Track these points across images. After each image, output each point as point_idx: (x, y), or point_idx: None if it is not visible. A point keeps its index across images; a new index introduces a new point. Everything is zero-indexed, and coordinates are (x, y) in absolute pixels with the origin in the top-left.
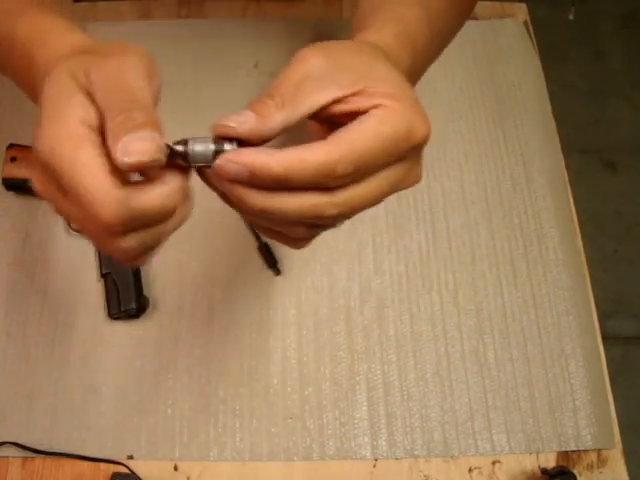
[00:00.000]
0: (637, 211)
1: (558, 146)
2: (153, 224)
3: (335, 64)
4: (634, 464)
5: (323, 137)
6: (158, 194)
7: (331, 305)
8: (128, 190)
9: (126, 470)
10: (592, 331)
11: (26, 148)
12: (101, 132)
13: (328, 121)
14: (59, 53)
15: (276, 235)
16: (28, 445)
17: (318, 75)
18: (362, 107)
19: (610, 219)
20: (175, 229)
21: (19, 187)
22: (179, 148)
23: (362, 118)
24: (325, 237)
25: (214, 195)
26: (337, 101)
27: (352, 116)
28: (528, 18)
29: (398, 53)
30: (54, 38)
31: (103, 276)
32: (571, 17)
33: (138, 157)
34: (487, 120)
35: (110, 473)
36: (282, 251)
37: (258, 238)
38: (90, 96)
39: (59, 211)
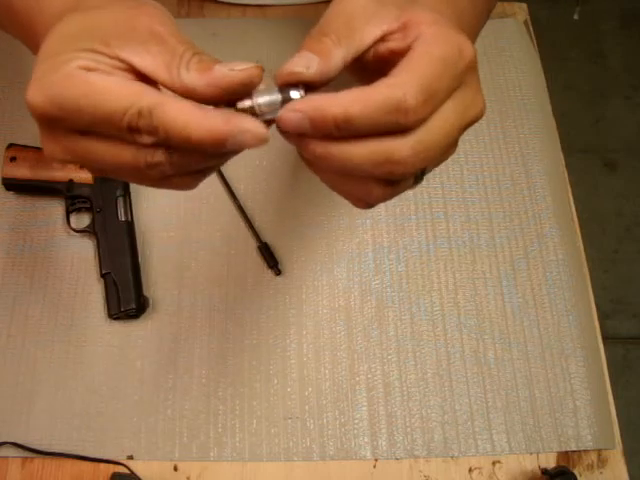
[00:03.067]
0: (637, 211)
1: (558, 146)
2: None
3: (377, 1)
4: (634, 464)
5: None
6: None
7: (331, 305)
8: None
9: (126, 470)
10: (592, 331)
11: (26, 148)
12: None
13: (368, 68)
14: (52, 12)
15: (353, 197)
16: (28, 445)
17: (364, 11)
18: (404, 45)
19: (610, 219)
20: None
21: (19, 187)
22: (247, 103)
23: (414, 46)
24: (325, 237)
25: (214, 195)
26: (384, 39)
27: (399, 54)
28: (528, 18)
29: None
30: None
31: (103, 276)
32: (576, 17)
33: (239, 75)
34: (487, 120)
35: (110, 473)
36: (282, 251)
37: (258, 238)
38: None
39: (82, 160)
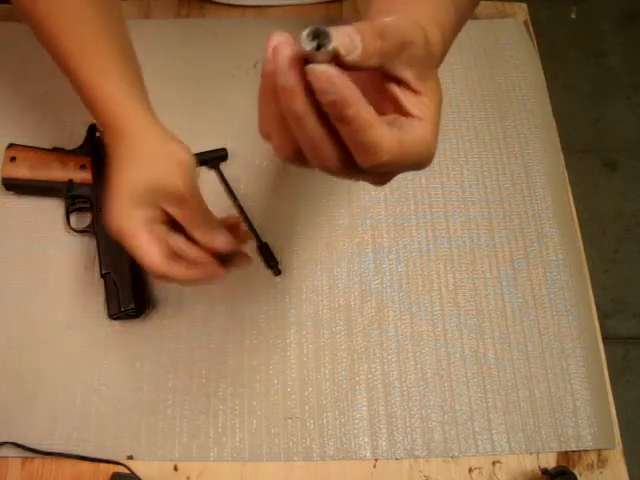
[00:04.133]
0: (637, 211)
1: (558, 146)
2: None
3: (428, 58)
4: (634, 464)
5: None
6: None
7: (331, 305)
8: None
9: (126, 470)
10: (592, 331)
11: (26, 148)
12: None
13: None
14: (133, 154)
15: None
16: (28, 445)
17: (417, 53)
18: (406, 107)
19: (610, 219)
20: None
21: (19, 187)
22: (311, 44)
23: (410, 132)
24: (325, 237)
25: (214, 195)
26: (398, 82)
27: (396, 101)
28: (528, 18)
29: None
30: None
31: (103, 276)
32: (573, 16)
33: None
34: (487, 120)
35: (110, 473)
36: (282, 251)
37: (258, 238)
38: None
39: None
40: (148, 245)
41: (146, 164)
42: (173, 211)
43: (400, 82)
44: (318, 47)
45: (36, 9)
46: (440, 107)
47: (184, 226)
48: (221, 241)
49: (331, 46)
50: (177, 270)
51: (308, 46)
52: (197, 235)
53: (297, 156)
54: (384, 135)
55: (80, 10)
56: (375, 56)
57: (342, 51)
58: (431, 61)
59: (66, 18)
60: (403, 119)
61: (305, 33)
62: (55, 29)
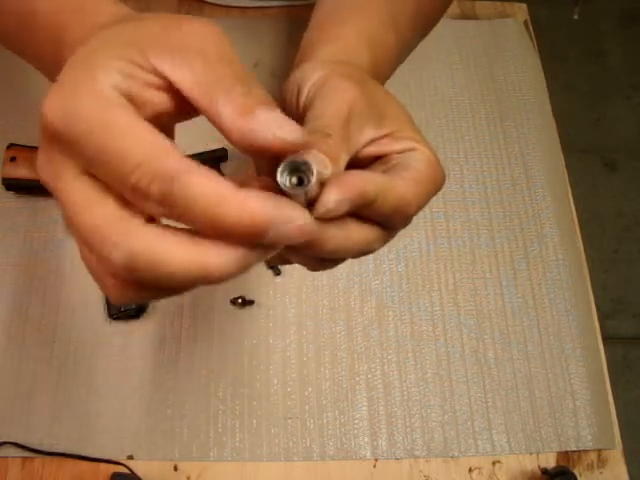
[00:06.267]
0: (637, 211)
1: (558, 146)
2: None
3: (368, 100)
4: (634, 464)
5: None
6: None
7: (331, 305)
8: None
9: (126, 470)
10: (592, 331)
11: (26, 148)
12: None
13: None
14: (96, 22)
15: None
16: (28, 445)
17: (360, 112)
18: (389, 151)
19: (610, 219)
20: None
21: (19, 187)
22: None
23: (415, 163)
24: None
25: None
26: (371, 142)
27: (383, 156)
28: (528, 18)
29: (359, 56)
30: (89, 6)
31: None
32: (575, 17)
33: (286, 134)
34: (487, 120)
35: (110, 473)
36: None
37: None
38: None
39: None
40: (141, 126)
41: (120, 21)
42: (178, 72)
43: (370, 142)
44: (299, 182)
45: None
46: (411, 118)
47: (198, 101)
48: (289, 126)
49: (314, 179)
50: (202, 174)
51: (287, 183)
52: (227, 113)
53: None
54: (404, 191)
55: None
56: (343, 153)
57: (324, 172)
58: (373, 95)
59: None
60: (407, 155)
61: (280, 170)
62: None
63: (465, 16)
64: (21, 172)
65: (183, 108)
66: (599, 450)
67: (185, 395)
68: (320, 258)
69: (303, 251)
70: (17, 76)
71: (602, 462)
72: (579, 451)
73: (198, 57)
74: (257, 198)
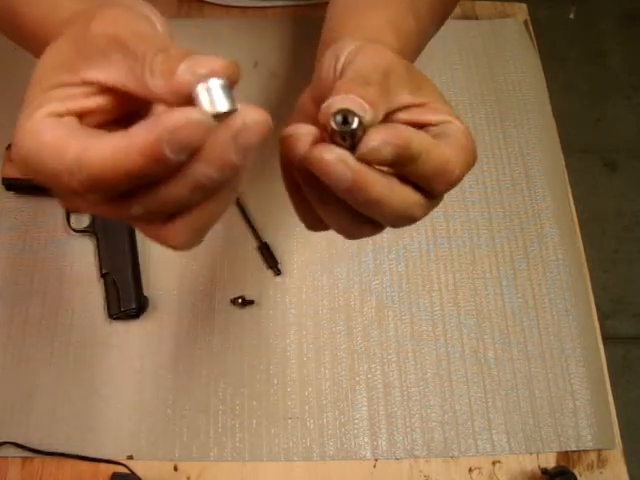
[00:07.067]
0: (637, 211)
1: (558, 146)
2: (151, 180)
3: (407, 66)
4: (634, 464)
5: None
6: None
7: (331, 305)
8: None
9: (126, 470)
10: (592, 331)
11: None
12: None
13: None
14: (61, 18)
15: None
16: (28, 445)
17: (398, 73)
18: (425, 120)
19: (610, 219)
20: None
21: (19, 187)
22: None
23: (455, 133)
24: (325, 237)
25: None
26: (404, 107)
27: (415, 124)
28: (528, 18)
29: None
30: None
31: (103, 276)
32: (571, 16)
33: (211, 67)
34: (487, 120)
35: (110, 473)
36: (282, 251)
37: (258, 238)
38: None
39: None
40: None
41: (70, 24)
42: (103, 73)
43: (405, 108)
44: (344, 121)
45: None
46: (444, 96)
47: (133, 90)
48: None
49: (356, 121)
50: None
51: (333, 122)
52: (156, 83)
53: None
54: (449, 153)
55: None
56: (381, 103)
57: (367, 118)
58: (409, 66)
59: None
60: (444, 126)
61: (332, 113)
62: None
63: (465, 16)
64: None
65: (128, 101)
66: (599, 450)
67: (185, 395)
68: (360, 217)
69: (347, 197)
70: (17, 76)
71: (602, 462)
72: (579, 451)
73: (112, 47)
74: (137, 132)
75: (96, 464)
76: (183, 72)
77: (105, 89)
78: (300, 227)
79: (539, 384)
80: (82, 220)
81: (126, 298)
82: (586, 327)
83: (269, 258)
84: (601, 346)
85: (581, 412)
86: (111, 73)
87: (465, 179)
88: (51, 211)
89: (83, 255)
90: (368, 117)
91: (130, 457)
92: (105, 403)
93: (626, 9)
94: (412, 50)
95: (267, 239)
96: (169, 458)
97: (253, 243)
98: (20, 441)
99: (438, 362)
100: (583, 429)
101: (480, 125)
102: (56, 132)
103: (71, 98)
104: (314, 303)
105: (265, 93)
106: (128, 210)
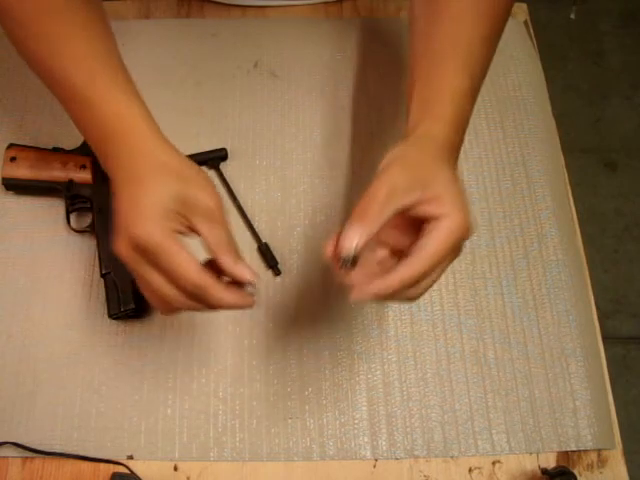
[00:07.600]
0: (637, 211)
1: (558, 146)
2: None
3: (412, 176)
4: (634, 464)
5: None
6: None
7: (331, 305)
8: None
9: (126, 470)
10: (592, 331)
11: (26, 148)
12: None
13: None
14: (150, 164)
15: None
16: (28, 445)
17: (402, 187)
18: (431, 214)
19: (610, 219)
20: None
21: (19, 187)
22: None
23: (436, 229)
24: (325, 237)
25: None
26: (412, 206)
27: (427, 217)
28: (528, 18)
29: (453, 139)
30: (140, 141)
31: (103, 276)
32: (572, 16)
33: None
34: (487, 120)
35: (110, 473)
36: (282, 251)
37: (258, 238)
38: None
39: (141, 274)
40: (189, 256)
41: (173, 174)
42: (203, 228)
43: (416, 202)
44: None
45: (23, 9)
46: (458, 187)
47: (211, 249)
48: (249, 271)
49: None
50: (218, 288)
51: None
52: (225, 260)
53: None
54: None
55: (71, 13)
56: (377, 223)
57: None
58: (421, 167)
59: (57, 22)
60: (432, 224)
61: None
62: (45, 29)
63: None
64: (21, 172)
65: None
66: (599, 450)
67: (185, 395)
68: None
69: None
70: (17, 77)
71: (602, 462)
72: (579, 451)
73: (211, 221)
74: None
75: (96, 464)
76: (241, 271)
77: (194, 230)
78: (300, 227)
79: (539, 384)
80: (82, 220)
81: (126, 298)
82: (586, 327)
83: (269, 258)
84: (601, 346)
85: (581, 412)
86: (205, 234)
87: (465, 179)
88: (51, 211)
89: (83, 255)
90: (359, 249)
91: (130, 457)
92: (105, 403)
93: (626, 9)
94: (468, 114)
95: (267, 239)
96: (169, 458)
97: (253, 243)
98: (20, 441)
99: (438, 362)
100: (583, 429)
101: (480, 125)
102: (184, 251)
103: (179, 224)
104: (314, 303)
105: (265, 93)
106: (183, 304)
